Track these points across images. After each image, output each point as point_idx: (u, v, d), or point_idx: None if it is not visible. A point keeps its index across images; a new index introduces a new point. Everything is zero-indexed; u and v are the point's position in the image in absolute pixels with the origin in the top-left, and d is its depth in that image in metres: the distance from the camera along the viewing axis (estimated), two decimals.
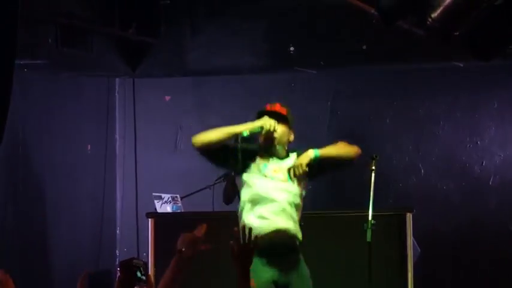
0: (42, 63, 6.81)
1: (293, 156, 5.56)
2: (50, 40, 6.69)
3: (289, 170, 5.45)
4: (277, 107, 5.63)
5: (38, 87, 7.65)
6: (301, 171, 5.39)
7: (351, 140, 8.18)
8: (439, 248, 7.85)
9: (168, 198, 7.23)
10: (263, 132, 5.49)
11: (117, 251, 8.77)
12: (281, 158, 5.58)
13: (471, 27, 3.82)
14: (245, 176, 5.53)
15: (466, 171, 7.94)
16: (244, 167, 5.54)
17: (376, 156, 5.79)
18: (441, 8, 3.74)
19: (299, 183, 5.50)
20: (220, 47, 7.73)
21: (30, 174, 7.53)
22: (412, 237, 6.56)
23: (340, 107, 8.30)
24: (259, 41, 7.61)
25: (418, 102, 8.11)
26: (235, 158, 5.50)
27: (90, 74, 8.14)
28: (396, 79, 8.12)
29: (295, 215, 5.47)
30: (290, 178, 5.43)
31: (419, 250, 6.85)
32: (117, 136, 8.87)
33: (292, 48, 7.47)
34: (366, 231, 5.50)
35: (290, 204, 5.44)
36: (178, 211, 7.24)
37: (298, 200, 5.50)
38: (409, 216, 6.55)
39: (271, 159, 5.55)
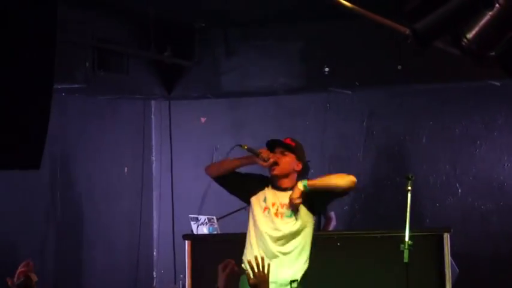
0: (80, 86, 6.88)
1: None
2: (87, 64, 6.77)
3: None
4: (287, 141, 5.62)
5: (75, 111, 7.73)
6: (295, 204, 5.37)
7: (386, 160, 8.24)
8: (478, 268, 7.76)
9: (205, 219, 7.25)
10: (261, 163, 5.49)
11: (154, 273, 8.80)
12: (285, 190, 5.52)
13: (507, 47, 3.79)
14: (251, 206, 5.56)
15: (504, 191, 7.86)
16: (250, 197, 5.56)
17: (412, 177, 5.75)
18: (476, 29, 3.71)
19: (301, 218, 5.45)
20: (254, 68, 7.77)
21: (69, 197, 7.60)
22: (450, 257, 6.49)
23: (375, 127, 8.28)
24: (294, 62, 7.63)
25: (455, 121, 8.06)
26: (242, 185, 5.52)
27: (126, 96, 8.21)
28: (432, 98, 8.08)
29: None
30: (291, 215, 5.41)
31: (457, 271, 6.78)
32: (153, 158, 8.93)
33: (327, 69, 7.48)
34: (403, 251, 5.45)
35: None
36: (215, 232, 7.25)
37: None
38: (446, 237, 6.48)
39: (273, 191, 5.53)
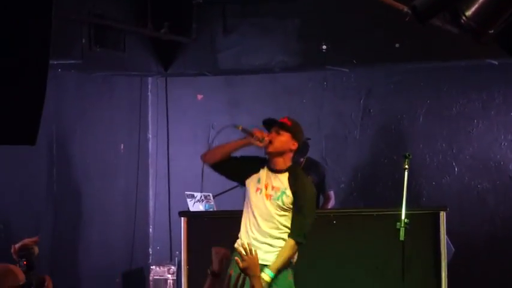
0: (76, 63, 6.85)
1: (286, 175, 5.45)
2: (83, 40, 6.74)
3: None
4: (284, 120, 5.56)
5: (71, 87, 7.71)
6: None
7: (383, 139, 8.23)
8: (473, 247, 7.78)
9: (201, 196, 7.26)
10: (257, 143, 5.44)
11: (150, 250, 8.82)
12: (279, 172, 5.48)
13: (506, 25, 3.78)
14: (246, 186, 5.53)
15: (500, 170, 7.86)
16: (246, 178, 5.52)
17: (409, 155, 5.75)
18: (476, 6, 3.70)
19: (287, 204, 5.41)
20: (252, 45, 7.74)
21: (64, 174, 7.59)
22: (445, 236, 6.51)
23: (372, 105, 8.27)
24: (291, 39, 7.60)
25: (452, 100, 8.05)
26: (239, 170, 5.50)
27: (123, 73, 8.19)
28: (429, 77, 8.07)
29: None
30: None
31: (453, 249, 6.80)
32: (149, 135, 8.92)
33: (324, 47, 7.46)
34: (399, 230, 5.46)
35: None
36: (211, 210, 7.25)
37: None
38: (442, 215, 6.50)
39: (268, 172, 5.48)
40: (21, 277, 3.66)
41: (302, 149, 7.33)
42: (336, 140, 8.40)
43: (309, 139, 7.44)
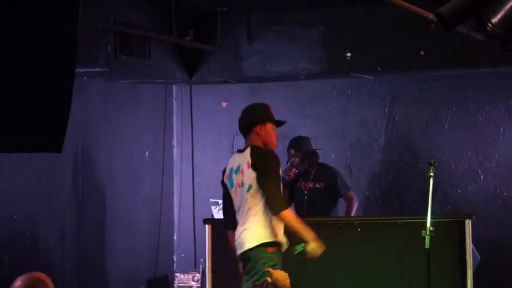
0: (101, 70, 6.89)
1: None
2: (108, 48, 6.78)
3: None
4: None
5: (97, 95, 7.75)
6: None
7: (407, 146, 8.20)
8: (499, 255, 7.72)
9: None
10: None
11: (174, 257, 8.83)
12: None
13: None
14: None
15: None
16: None
17: (434, 163, 5.72)
18: (502, 13, 3.68)
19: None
20: (276, 53, 7.75)
21: (90, 181, 7.63)
22: (471, 244, 6.47)
23: (397, 112, 8.24)
24: (315, 47, 7.61)
25: (477, 107, 8.00)
26: None
27: (148, 81, 8.22)
28: (454, 84, 8.03)
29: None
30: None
31: (479, 258, 6.75)
32: (174, 142, 8.95)
33: (349, 54, 7.45)
34: (424, 238, 5.43)
35: None
36: None
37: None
38: (468, 223, 6.45)
39: None
40: (51, 285, 3.66)
41: (310, 158, 7.38)
42: (360, 147, 8.38)
43: (320, 149, 7.48)
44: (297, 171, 7.40)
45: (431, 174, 5.65)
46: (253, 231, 5.47)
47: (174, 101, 8.96)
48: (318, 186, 7.43)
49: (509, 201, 7.82)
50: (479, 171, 7.95)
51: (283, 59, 7.71)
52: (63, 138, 3.62)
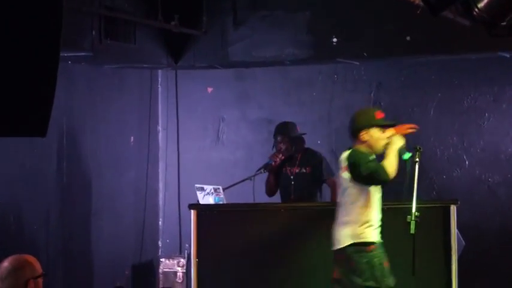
0: (86, 55, 6.85)
1: None
2: (93, 32, 6.73)
3: None
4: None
5: (81, 79, 7.71)
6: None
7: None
8: (484, 241, 7.76)
9: (211, 189, 7.25)
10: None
11: (159, 242, 8.83)
12: None
13: None
14: None
15: (511, 163, 7.83)
16: None
17: (420, 148, 5.73)
18: None
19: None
20: (262, 38, 7.72)
21: (75, 166, 7.60)
22: (456, 229, 6.49)
23: (383, 98, 8.24)
24: (301, 32, 7.58)
25: (463, 93, 8.02)
26: None
27: (133, 65, 8.19)
28: (440, 70, 8.04)
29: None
30: None
31: (463, 243, 6.77)
32: (159, 128, 8.92)
33: (335, 40, 7.44)
34: (409, 223, 5.45)
35: None
36: (221, 202, 7.26)
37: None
38: (453, 209, 6.47)
39: None
40: (38, 267, 3.66)
41: (297, 143, 7.40)
42: (346, 133, 8.32)
43: (304, 134, 7.50)
44: (283, 157, 7.40)
45: (417, 159, 5.65)
46: (349, 230, 5.63)
47: (159, 86, 8.93)
48: (304, 171, 7.44)
49: (494, 187, 7.85)
50: (465, 157, 7.97)
51: (269, 44, 7.69)
52: (47, 122, 3.59)
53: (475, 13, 3.71)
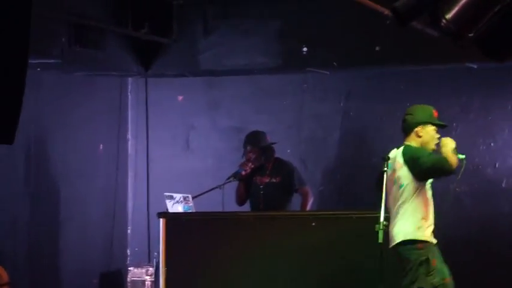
0: (55, 62, 6.82)
1: None
2: (63, 39, 6.70)
3: None
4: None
5: (50, 87, 7.66)
6: None
7: (362, 141, 8.25)
8: (451, 249, 7.79)
9: (180, 198, 7.24)
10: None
11: (128, 251, 8.78)
12: None
13: (486, 29, 3.81)
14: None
15: (479, 173, 7.89)
16: None
17: (388, 157, 5.76)
18: (456, 9, 3.72)
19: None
20: (232, 47, 7.73)
21: (43, 174, 7.55)
22: None
23: (352, 107, 8.28)
24: (272, 41, 7.60)
25: (431, 103, 8.03)
26: None
27: (102, 73, 8.15)
28: (409, 80, 8.09)
29: None
30: None
31: None
32: (129, 135, 8.88)
33: (305, 49, 7.47)
34: (377, 232, 5.47)
35: None
36: (190, 211, 7.24)
37: None
38: None
39: None
40: (5, 276, 3.63)
41: (267, 153, 7.43)
42: (315, 142, 8.41)
43: (275, 143, 7.53)
44: (253, 166, 7.40)
45: (385, 169, 5.69)
46: (402, 228, 5.69)
47: (129, 93, 8.89)
48: (274, 180, 7.45)
49: (461, 196, 7.91)
50: None
51: (240, 53, 7.70)
52: (15, 129, 3.57)
53: (442, 24, 3.75)
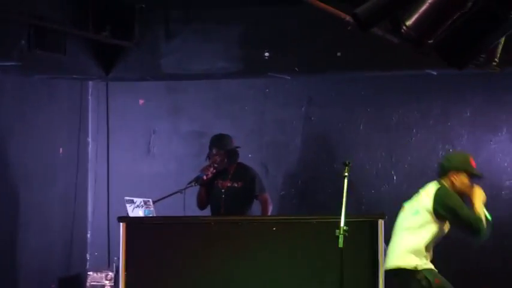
0: (15, 65, 6.75)
1: None
2: (22, 42, 6.64)
3: None
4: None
5: (10, 90, 7.59)
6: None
7: (324, 146, 8.29)
8: None
9: (141, 202, 7.20)
10: None
11: (87, 255, 8.72)
12: None
13: (445, 36, 3.84)
14: None
15: None
16: None
17: (349, 163, 5.79)
18: (416, 16, 3.75)
19: None
20: (194, 51, 7.71)
21: (2, 177, 7.47)
22: (383, 243, 6.56)
23: (314, 113, 8.31)
24: (234, 46, 7.60)
25: (392, 109, 8.14)
26: None
27: (63, 76, 8.09)
28: (370, 86, 8.15)
29: None
30: None
31: None
32: (89, 139, 8.83)
33: (267, 54, 7.48)
34: (338, 237, 5.49)
35: None
36: (151, 215, 7.21)
37: None
38: (380, 223, 6.53)
39: None
40: None
41: (231, 157, 7.43)
42: (277, 147, 8.43)
43: (239, 147, 7.53)
44: (215, 171, 7.40)
45: (346, 174, 5.71)
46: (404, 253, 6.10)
47: (89, 97, 8.84)
48: (236, 185, 7.45)
49: None
50: (393, 172, 8.09)
51: (201, 57, 7.69)
52: None
53: (403, 30, 3.78)
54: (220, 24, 7.63)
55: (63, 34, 7.16)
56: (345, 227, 5.50)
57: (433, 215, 5.99)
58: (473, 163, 6.12)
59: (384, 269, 6.07)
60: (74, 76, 8.12)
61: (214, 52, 7.66)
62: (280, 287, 6.50)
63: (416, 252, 6.02)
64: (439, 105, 8.05)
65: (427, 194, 6.09)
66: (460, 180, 6.06)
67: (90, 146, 8.82)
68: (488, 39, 4.18)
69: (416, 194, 6.21)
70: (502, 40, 4.60)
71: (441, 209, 5.96)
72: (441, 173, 6.14)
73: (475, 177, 6.11)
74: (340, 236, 5.48)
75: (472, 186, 6.06)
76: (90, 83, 8.77)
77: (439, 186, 6.07)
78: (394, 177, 8.09)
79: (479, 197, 6.00)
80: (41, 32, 6.81)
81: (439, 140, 8.03)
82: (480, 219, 5.89)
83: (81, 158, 8.62)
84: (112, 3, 7.52)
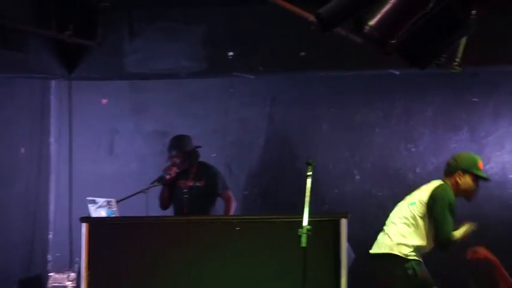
0: None
1: None
2: None
3: None
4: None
5: None
6: None
7: (287, 146, 8.31)
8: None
9: (103, 202, 7.16)
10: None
11: (49, 256, 8.64)
12: None
13: (407, 36, 3.88)
14: None
15: (400, 178, 8.03)
16: None
17: (312, 162, 5.80)
18: (378, 16, 3.77)
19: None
20: (158, 50, 7.69)
21: None
22: (346, 242, 6.59)
23: (277, 112, 8.33)
24: (197, 45, 7.59)
25: (355, 109, 8.19)
26: None
27: (24, 75, 8.01)
28: (333, 86, 8.19)
29: None
30: None
31: (353, 256, 6.89)
32: (51, 139, 8.75)
33: (231, 53, 7.48)
34: (300, 236, 5.50)
35: None
36: (113, 215, 7.17)
37: None
38: (343, 222, 6.56)
39: None
40: None
41: (192, 157, 7.43)
42: (240, 146, 8.43)
43: (199, 147, 7.53)
44: (178, 170, 7.38)
45: (309, 173, 5.72)
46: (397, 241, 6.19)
47: (51, 96, 8.76)
48: (198, 184, 7.44)
49: (382, 201, 8.03)
50: (355, 171, 8.14)
51: (165, 56, 7.67)
52: None
53: (365, 30, 3.80)
54: (184, 24, 7.62)
55: (25, 33, 7.11)
56: (308, 226, 5.51)
57: (426, 208, 6.03)
58: (481, 166, 6.11)
59: (371, 252, 6.27)
60: (36, 75, 8.05)
61: (178, 52, 7.65)
62: (243, 286, 6.51)
63: (408, 242, 6.08)
64: (401, 104, 8.11)
65: (427, 188, 6.13)
66: (465, 181, 6.05)
67: (52, 146, 8.74)
68: (450, 40, 4.22)
69: (419, 188, 6.25)
70: (463, 40, 4.66)
71: (431, 201, 5.99)
72: (447, 171, 6.13)
73: (482, 180, 6.11)
74: (303, 235, 5.49)
75: (477, 189, 6.07)
76: (53, 82, 8.70)
77: (441, 183, 6.09)
78: (357, 177, 8.13)
79: (466, 228, 6.03)
80: (2, 31, 6.74)
81: (401, 139, 8.09)
82: (452, 242, 5.96)
83: (42, 158, 8.55)
84: (75, 2, 7.47)
